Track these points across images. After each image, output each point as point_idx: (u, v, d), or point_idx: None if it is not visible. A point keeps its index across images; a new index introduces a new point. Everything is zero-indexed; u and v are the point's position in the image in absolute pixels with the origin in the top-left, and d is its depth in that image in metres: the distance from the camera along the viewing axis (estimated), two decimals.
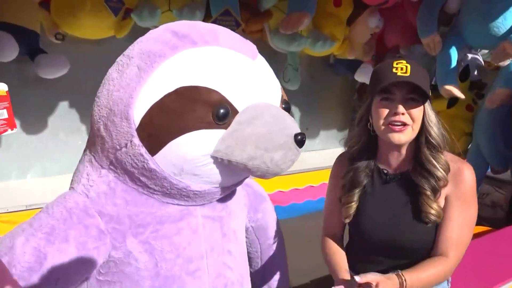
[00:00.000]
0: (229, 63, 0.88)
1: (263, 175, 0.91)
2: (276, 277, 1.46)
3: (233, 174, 0.94)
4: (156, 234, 0.95)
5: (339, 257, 1.25)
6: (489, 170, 4.35)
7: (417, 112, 1.10)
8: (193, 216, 1.00)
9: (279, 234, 1.43)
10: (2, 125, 1.12)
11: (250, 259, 1.39)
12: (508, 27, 3.54)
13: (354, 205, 1.22)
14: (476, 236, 2.88)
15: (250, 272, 1.37)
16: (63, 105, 3.43)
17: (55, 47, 3.05)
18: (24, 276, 0.84)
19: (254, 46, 0.98)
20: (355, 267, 1.25)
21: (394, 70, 1.09)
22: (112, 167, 0.93)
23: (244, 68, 0.90)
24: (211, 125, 0.84)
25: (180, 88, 0.83)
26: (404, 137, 1.11)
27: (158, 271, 0.96)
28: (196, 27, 0.93)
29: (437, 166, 1.13)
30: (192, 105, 0.83)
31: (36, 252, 0.86)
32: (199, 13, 3.14)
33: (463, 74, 4.32)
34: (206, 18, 3.27)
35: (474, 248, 2.48)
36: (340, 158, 1.35)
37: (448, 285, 1.29)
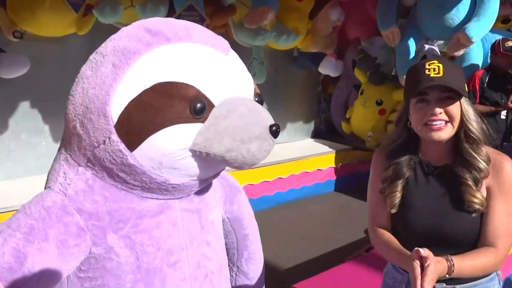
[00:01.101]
0: (203, 59, 0.90)
1: (240, 166, 0.94)
2: (252, 266, 1.50)
3: (211, 167, 0.97)
4: (136, 228, 0.97)
5: (396, 242, 1.24)
6: None
7: (454, 109, 1.13)
8: (172, 209, 1.02)
9: (254, 224, 1.47)
10: None
11: (226, 250, 1.42)
12: (461, 19, 3.71)
13: (398, 195, 1.24)
14: None
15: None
16: (25, 105, 3.33)
17: (14, 46, 2.96)
18: (4, 277, 0.84)
19: (227, 42, 1.00)
20: None
21: (427, 72, 1.11)
22: (89, 164, 0.93)
23: (218, 63, 0.92)
24: (188, 120, 0.86)
25: (157, 84, 0.84)
26: (444, 134, 1.15)
27: (140, 264, 0.97)
28: (169, 24, 0.95)
29: (478, 158, 1.15)
30: (169, 101, 0.84)
31: (16, 253, 0.86)
32: (162, 9, 3.12)
33: None
34: (170, 14, 3.25)
35: None
36: (377, 153, 1.36)
37: (498, 281, 1.28)
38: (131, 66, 0.86)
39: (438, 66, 1.11)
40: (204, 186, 1.08)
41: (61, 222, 0.91)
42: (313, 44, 4.51)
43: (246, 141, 0.89)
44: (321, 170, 4.85)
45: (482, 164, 1.15)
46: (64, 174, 0.95)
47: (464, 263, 1.10)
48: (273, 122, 0.93)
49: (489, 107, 3.58)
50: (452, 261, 1.07)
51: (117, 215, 0.95)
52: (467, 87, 3.67)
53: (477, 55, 4.01)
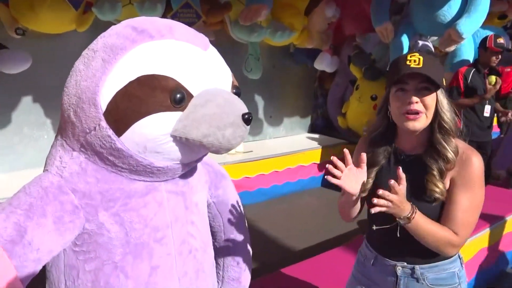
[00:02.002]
0: (183, 54, 1.00)
1: (217, 150, 1.04)
2: (239, 248, 1.60)
3: (191, 151, 1.07)
4: (125, 207, 1.07)
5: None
6: None
7: (430, 100, 1.19)
8: (158, 191, 1.13)
9: (239, 209, 1.57)
10: None
11: (214, 233, 1.52)
12: (453, 15, 3.78)
13: (370, 181, 1.30)
14: None
15: (215, 245, 1.51)
16: (27, 100, 3.45)
17: (16, 42, 3.07)
18: (7, 248, 0.95)
19: (206, 39, 1.10)
20: (373, 241, 1.39)
21: (407, 62, 1.17)
22: (82, 149, 1.04)
23: (196, 57, 1.02)
24: (169, 108, 0.97)
25: (141, 76, 0.95)
26: (418, 124, 1.21)
27: (128, 239, 1.08)
28: (153, 22, 1.05)
29: (448, 148, 1.21)
30: (152, 91, 0.95)
31: (17, 227, 0.97)
32: (160, 6, 3.21)
33: None
34: (167, 11, 3.35)
35: None
36: (360, 141, 1.45)
37: (460, 264, 1.34)
38: (118, 60, 0.96)
39: (419, 58, 1.17)
40: (187, 170, 1.19)
41: (58, 200, 1.02)
42: (309, 40, 4.60)
43: (221, 128, 0.99)
44: (316, 164, 4.95)
45: (451, 154, 1.21)
46: (60, 158, 1.06)
47: (424, 220, 1.17)
48: (246, 111, 1.04)
49: (473, 99, 3.62)
50: (415, 210, 1.15)
51: (107, 194, 1.06)
52: (451, 84, 3.72)
53: (468, 50, 4.08)
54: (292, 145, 4.97)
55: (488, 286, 2.83)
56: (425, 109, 1.20)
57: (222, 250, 1.57)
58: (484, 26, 3.80)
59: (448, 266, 1.30)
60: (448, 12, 3.79)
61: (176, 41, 1.01)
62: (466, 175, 1.21)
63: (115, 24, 1.08)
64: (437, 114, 1.22)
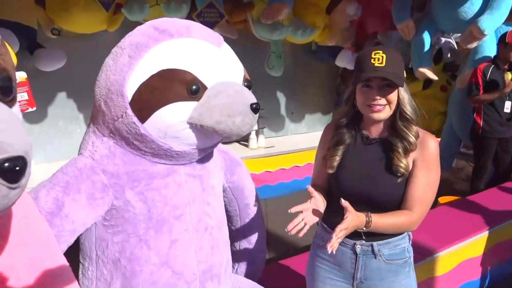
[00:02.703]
0: (199, 51, 1.14)
1: (228, 136, 1.17)
2: (254, 231, 1.73)
3: (205, 137, 1.20)
4: (148, 187, 1.22)
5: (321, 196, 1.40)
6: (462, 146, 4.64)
7: (392, 95, 1.30)
8: (177, 173, 1.27)
9: (254, 195, 1.69)
10: (23, 104, 1.39)
11: (230, 217, 1.65)
12: (475, 12, 3.77)
13: (337, 158, 1.39)
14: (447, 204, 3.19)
15: (231, 228, 1.64)
16: (62, 96, 3.68)
17: (52, 42, 3.28)
18: (48, 219, 1.10)
19: (221, 37, 1.24)
20: (331, 221, 1.42)
21: (372, 61, 1.27)
22: (111, 134, 1.19)
23: (211, 54, 1.16)
24: (186, 98, 1.11)
25: (161, 70, 1.09)
26: (383, 115, 1.32)
27: (151, 216, 1.22)
28: (173, 23, 1.19)
29: (409, 133, 1.33)
30: (171, 83, 1.09)
31: (56, 201, 1.13)
32: (185, 6, 3.35)
33: (437, 57, 4.56)
34: (192, 11, 3.49)
35: (441, 212, 2.78)
36: (327, 127, 1.55)
37: (408, 239, 1.46)
38: (142, 57, 1.11)
39: (382, 56, 1.26)
40: (204, 156, 1.32)
41: (90, 180, 1.17)
42: (330, 38, 4.66)
43: (231, 115, 1.12)
44: None
45: (412, 138, 1.32)
46: (92, 143, 1.22)
47: (381, 220, 1.28)
48: (255, 101, 1.16)
49: (493, 94, 3.60)
50: (370, 217, 1.25)
51: (133, 175, 1.20)
52: (470, 81, 3.70)
53: (490, 47, 4.05)
54: (313, 141, 5.01)
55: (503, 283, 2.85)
56: (388, 103, 1.31)
57: (238, 234, 1.70)
58: (506, 22, 3.76)
59: (399, 242, 1.41)
60: (470, 8, 3.77)
61: (193, 39, 1.15)
62: (425, 156, 1.33)
63: (143, 24, 1.23)
64: (398, 106, 1.33)
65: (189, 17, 3.42)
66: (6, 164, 0.53)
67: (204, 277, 1.31)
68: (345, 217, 1.19)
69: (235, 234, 1.69)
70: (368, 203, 1.34)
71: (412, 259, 1.46)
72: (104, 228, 1.23)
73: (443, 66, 4.72)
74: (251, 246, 1.75)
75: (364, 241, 1.39)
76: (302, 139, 5.10)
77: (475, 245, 2.56)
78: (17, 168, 0.54)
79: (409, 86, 4.59)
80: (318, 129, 5.74)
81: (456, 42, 4.64)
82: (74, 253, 1.26)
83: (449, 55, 4.68)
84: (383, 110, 1.31)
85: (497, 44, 3.78)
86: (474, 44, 3.99)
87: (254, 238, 1.74)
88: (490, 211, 2.89)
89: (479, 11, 3.73)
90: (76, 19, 3.11)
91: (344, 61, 4.90)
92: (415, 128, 1.36)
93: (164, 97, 1.09)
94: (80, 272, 1.29)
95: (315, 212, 1.30)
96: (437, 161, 1.37)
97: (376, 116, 1.32)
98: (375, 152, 1.38)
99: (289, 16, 4.09)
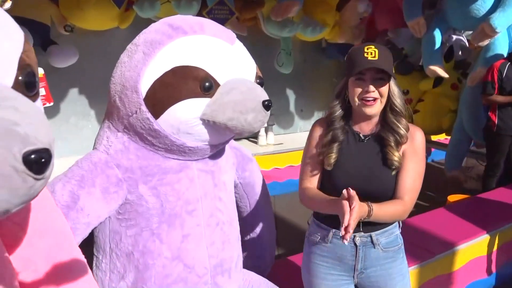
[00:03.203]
0: (212, 48, 1.16)
1: (240, 133, 1.19)
2: (264, 227, 1.74)
3: (218, 133, 1.22)
4: (161, 182, 1.24)
5: (323, 194, 1.42)
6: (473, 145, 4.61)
7: (384, 88, 1.34)
8: (190, 168, 1.29)
9: (265, 191, 1.71)
10: (41, 100, 1.42)
11: (241, 213, 1.67)
12: (487, 9, 3.74)
13: (334, 155, 1.41)
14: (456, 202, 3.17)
15: (241, 224, 1.65)
16: (74, 92, 3.73)
17: (64, 39, 3.32)
18: (64, 212, 1.13)
19: (234, 34, 1.25)
20: (323, 216, 1.47)
21: (365, 54, 1.30)
22: (126, 130, 1.21)
23: (224, 51, 1.18)
24: (199, 95, 1.12)
25: (175, 67, 1.11)
26: (374, 109, 1.35)
27: (163, 210, 1.24)
28: (186, 20, 1.21)
29: (400, 126, 1.37)
30: (185, 80, 1.11)
31: (71, 194, 1.15)
32: (195, 4, 3.37)
33: (448, 54, 4.53)
34: (202, 8, 3.51)
35: (450, 211, 2.78)
36: (318, 122, 1.54)
37: (399, 227, 1.52)
38: (157, 54, 1.13)
39: (375, 51, 1.30)
40: (216, 152, 1.34)
41: (105, 174, 1.19)
42: (340, 35, 4.66)
43: (244, 112, 1.14)
44: None
45: (403, 131, 1.37)
46: (107, 138, 1.24)
47: (380, 209, 1.32)
48: (267, 98, 1.18)
49: (509, 98, 3.59)
50: (371, 206, 1.28)
51: (146, 170, 1.23)
52: (485, 78, 3.68)
53: (502, 45, 4.01)
54: None
55: None
56: (380, 96, 1.34)
57: (248, 229, 1.71)
58: None
59: (394, 230, 1.48)
60: (482, 6, 3.74)
61: (206, 36, 1.17)
62: (414, 147, 1.40)
63: (154, 21, 1.25)
64: (389, 99, 1.37)
65: (199, 14, 3.44)
66: (33, 156, 0.55)
67: (215, 271, 1.33)
68: (352, 207, 1.20)
69: (245, 230, 1.70)
70: (364, 198, 1.33)
71: (403, 245, 1.52)
72: (118, 222, 1.26)
73: (454, 64, 4.68)
74: (260, 242, 1.77)
75: (362, 233, 1.43)
76: None
77: (484, 243, 2.55)
78: (43, 160, 0.56)
79: (420, 83, 4.60)
80: None
81: (467, 40, 4.60)
82: (87, 245, 1.29)
83: (460, 53, 4.65)
84: (374, 105, 1.35)
85: None
86: (486, 42, 3.96)
87: (264, 233, 1.76)
88: (500, 209, 2.88)
89: (491, 8, 3.71)
90: (88, 16, 3.15)
91: None
92: (404, 121, 1.40)
93: (177, 94, 1.11)
94: (93, 264, 1.31)
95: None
96: (424, 151, 1.44)
97: (368, 110, 1.35)
98: (369, 148, 1.42)
99: (299, 13, 4.09)
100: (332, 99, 1.50)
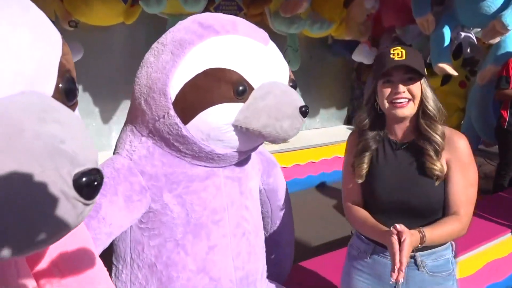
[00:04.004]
0: (246, 49, 1.08)
1: (274, 140, 1.12)
2: (284, 234, 1.68)
3: (249, 140, 1.15)
4: (187, 190, 1.17)
5: (372, 219, 1.32)
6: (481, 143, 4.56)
7: (415, 88, 1.25)
8: (217, 176, 1.21)
9: (287, 197, 1.65)
10: None
11: (261, 219, 1.61)
12: (498, 6, 3.68)
13: (365, 166, 1.33)
14: None
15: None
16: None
17: (69, 34, 3.22)
18: (85, 222, 1.06)
19: (266, 34, 1.18)
20: None
21: (392, 56, 1.24)
22: (151, 135, 1.14)
23: (258, 52, 1.10)
24: (232, 100, 1.05)
25: (208, 69, 1.03)
26: (407, 110, 1.27)
27: (189, 220, 1.17)
28: (218, 18, 1.13)
29: (433, 133, 1.27)
30: (217, 83, 1.03)
31: None
32: (203, 0, 3.29)
33: (456, 52, 4.47)
34: (210, 4, 3.43)
35: None
36: (351, 134, 1.47)
37: (452, 250, 1.38)
38: (187, 54, 1.05)
39: (402, 51, 1.24)
40: (243, 158, 1.27)
41: (128, 181, 1.12)
42: (347, 32, 4.58)
43: (279, 119, 1.07)
44: None
45: (438, 139, 1.27)
46: (130, 142, 1.17)
47: (434, 233, 1.21)
48: (303, 104, 1.10)
49: None
50: (423, 232, 1.19)
51: (172, 177, 1.15)
52: (499, 73, 3.62)
53: None
54: (328, 136, 4.99)
55: None
56: (412, 97, 1.26)
57: (268, 236, 1.65)
58: None
59: (443, 253, 1.34)
60: (493, 3, 3.69)
61: (239, 36, 1.09)
62: (458, 157, 1.28)
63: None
64: (421, 102, 1.28)
65: (206, 9, 3.35)
66: (84, 179, 0.47)
67: (241, 284, 1.27)
68: (402, 240, 1.12)
69: (265, 236, 1.64)
70: (407, 212, 1.29)
71: (455, 271, 1.38)
72: (140, 231, 1.19)
73: (462, 62, 4.62)
74: (280, 249, 1.70)
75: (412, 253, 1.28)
76: (316, 135, 5.04)
77: (500, 246, 2.50)
78: (96, 183, 0.49)
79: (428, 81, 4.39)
80: (333, 124, 5.69)
81: (476, 37, 4.55)
82: (105, 253, 1.22)
83: (468, 50, 4.59)
84: (406, 106, 1.26)
85: None
86: (497, 39, 3.92)
87: (283, 240, 1.70)
88: None
89: (502, 5, 3.65)
90: (94, 11, 3.06)
91: (361, 56, 4.82)
92: (439, 127, 1.29)
93: (209, 98, 1.04)
94: (113, 274, 1.25)
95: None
96: (471, 157, 1.32)
97: (400, 112, 1.27)
98: (406, 157, 1.33)
99: (306, 10, 4.02)
100: (359, 106, 1.42)
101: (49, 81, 0.56)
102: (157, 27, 3.45)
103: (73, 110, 0.62)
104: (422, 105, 1.29)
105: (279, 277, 1.69)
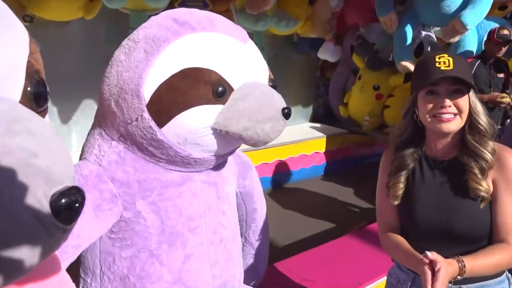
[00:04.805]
0: (225, 47, 1.02)
1: (255, 143, 1.06)
2: (258, 238, 1.64)
3: (229, 144, 1.09)
4: (161, 196, 1.10)
5: (406, 245, 1.19)
6: None
7: (463, 102, 1.12)
8: (193, 181, 1.15)
9: (262, 200, 1.60)
10: None
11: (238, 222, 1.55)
12: (457, 6, 3.79)
13: (401, 186, 1.21)
14: None
15: None
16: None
17: None
18: None
19: (245, 31, 1.12)
20: None
21: (437, 64, 1.10)
22: (122, 138, 1.06)
23: (238, 51, 1.04)
24: (211, 101, 0.98)
25: (185, 69, 0.96)
26: (453, 125, 1.13)
27: (164, 228, 1.10)
28: (194, 14, 1.06)
29: (483, 150, 1.14)
30: (195, 84, 0.96)
31: None
32: None
33: (418, 50, 4.58)
34: (174, 0, 3.32)
35: None
36: (386, 151, 1.34)
37: (509, 284, 1.22)
38: (161, 52, 0.98)
39: (448, 60, 1.10)
40: (220, 162, 1.21)
41: (97, 189, 1.04)
42: (312, 29, 4.59)
43: (260, 121, 1.02)
44: (318, 153, 4.99)
45: (488, 156, 1.13)
46: (99, 147, 1.08)
47: (476, 263, 1.07)
48: (285, 105, 1.06)
49: (478, 95, 3.65)
50: (463, 261, 1.05)
51: (145, 184, 1.08)
52: None
53: (471, 41, 4.10)
54: (294, 134, 4.99)
55: None
56: (459, 112, 1.13)
57: (243, 239, 1.60)
58: (487, 17, 3.82)
59: (496, 287, 1.19)
60: (453, 3, 3.80)
61: (217, 33, 1.02)
62: (507, 175, 1.14)
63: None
64: (469, 116, 1.16)
65: (171, 6, 3.25)
66: (63, 201, 0.40)
67: None
68: (436, 269, 1.00)
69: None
70: (450, 238, 1.16)
71: None
72: (111, 241, 1.11)
73: None
74: (254, 252, 1.66)
75: (451, 285, 1.11)
76: (283, 132, 5.01)
77: None
78: (77, 204, 0.42)
79: (390, 79, 4.55)
80: (299, 122, 5.69)
81: (436, 36, 4.67)
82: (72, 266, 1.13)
83: (429, 49, 4.71)
84: (453, 120, 1.13)
85: (484, 40, 3.82)
86: (456, 39, 4.04)
87: (258, 243, 1.66)
88: None
89: (461, 5, 3.76)
90: (50, 6, 2.88)
91: (327, 53, 4.85)
92: (490, 143, 1.16)
93: (186, 100, 0.97)
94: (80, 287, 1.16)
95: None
96: None
97: (446, 127, 1.13)
98: (447, 176, 1.19)
99: (272, 7, 3.99)
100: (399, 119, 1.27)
101: (16, 85, 0.48)
102: (118, 22, 3.35)
103: (43, 116, 0.54)
104: (469, 120, 1.16)
105: (254, 280, 1.65)
